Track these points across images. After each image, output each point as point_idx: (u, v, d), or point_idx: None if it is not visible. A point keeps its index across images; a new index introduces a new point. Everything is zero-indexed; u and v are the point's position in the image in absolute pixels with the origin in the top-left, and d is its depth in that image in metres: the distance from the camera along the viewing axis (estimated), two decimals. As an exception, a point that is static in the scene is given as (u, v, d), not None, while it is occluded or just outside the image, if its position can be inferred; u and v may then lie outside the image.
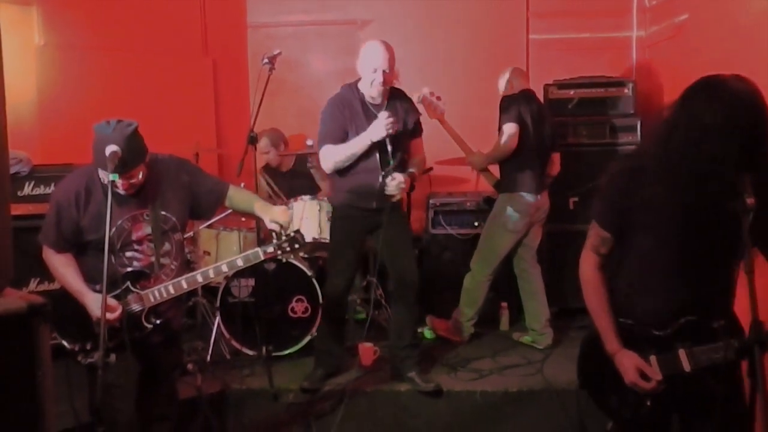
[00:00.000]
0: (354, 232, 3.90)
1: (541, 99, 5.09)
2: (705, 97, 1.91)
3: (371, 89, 3.70)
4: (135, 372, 2.90)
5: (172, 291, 2.86)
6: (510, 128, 4.34)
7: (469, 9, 5.80)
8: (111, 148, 2.60)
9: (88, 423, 2.77)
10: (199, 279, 2.90)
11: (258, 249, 2.93)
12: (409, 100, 3.96)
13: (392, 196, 3.71)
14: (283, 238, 2.93)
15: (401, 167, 3.75)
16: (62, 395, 2.75)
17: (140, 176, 2.79)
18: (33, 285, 4.19)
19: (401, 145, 3.77)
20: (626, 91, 5.11)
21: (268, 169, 5.37)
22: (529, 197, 4.44)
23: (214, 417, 3.70)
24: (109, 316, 2.68)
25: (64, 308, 2.80)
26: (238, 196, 3.12)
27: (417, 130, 3.95)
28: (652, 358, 2.10)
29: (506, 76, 4.66)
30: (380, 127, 3.57)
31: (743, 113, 1.83)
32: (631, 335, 2.15)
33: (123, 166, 2.64)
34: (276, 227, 2.94)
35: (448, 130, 4.50)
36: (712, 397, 1.97)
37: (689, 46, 4.70)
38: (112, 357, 2.54)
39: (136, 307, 2.84)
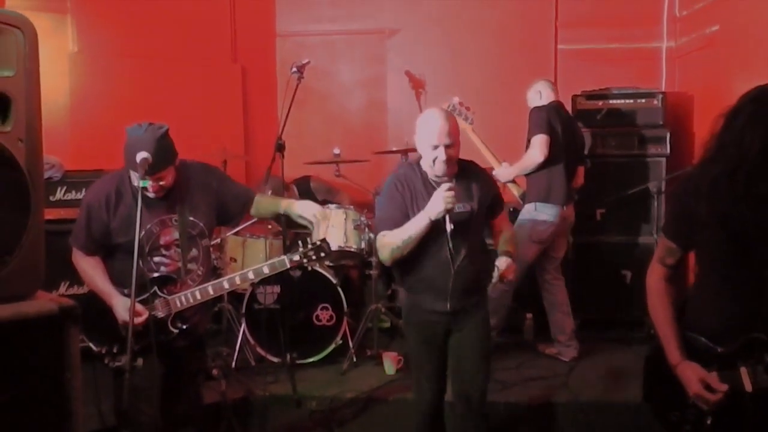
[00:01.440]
0: (432, 337, 3.09)
1: (570, 109, 5.08)
2: (749, 114, 1.89)
3: (435, 168, 2.95)
4: (160, 376, 2.92)
5: (198, 297, 2.89)
6: (539, 140, 4.31)
7: (498, 18, 5.80)
8: (142, 155, 2.66)
9: (114, 426, 2.81)
10: (226, 285, 2.93)
11: (284, 257, 2.94)
12: (484, 172, 3.22)
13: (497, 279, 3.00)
14: (309, 246, 2.95)
15: (471, 256, 3.01)
16: (89, 398, 2.78)
17: (170, 179, 2.84)
18: (63, 288, 4.25)
19: (474, 227, 3.05)
20: (655, 102, 5.06)
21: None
22: (555, 208, 4.41)
23: (238, 422, 3.72)
24: (136, 320, 2.71)
25: (92, 311, 2.84)
26: (264, 201, 3.18)
27: (497, 206, 3.20)
28: (713, 374, 2.05)
29: (536, 87, 4.64)
30: (438, 201, 2.82)
31: None
32: (695, 350, 2.11)
33: (153, 167, 2.70)
34: (306, 221, 3.05)
35: (477, 141, 4.50)
36: None
37: (720, 57, 4.65)
38: (140, 361, 2.58)
39: (162, 311, 2.87)
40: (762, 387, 1.95)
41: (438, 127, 2.92)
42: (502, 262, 2.98)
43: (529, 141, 4.40)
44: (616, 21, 5.61)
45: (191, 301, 2.88)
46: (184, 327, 2.90)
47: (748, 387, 1.97)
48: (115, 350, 2.81)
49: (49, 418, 2.21)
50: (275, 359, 4.38)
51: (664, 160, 4.97)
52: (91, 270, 2.92)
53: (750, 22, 4.17)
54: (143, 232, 2.80)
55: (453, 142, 2.93)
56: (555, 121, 4.39)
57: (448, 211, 2.83)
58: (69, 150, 4.89)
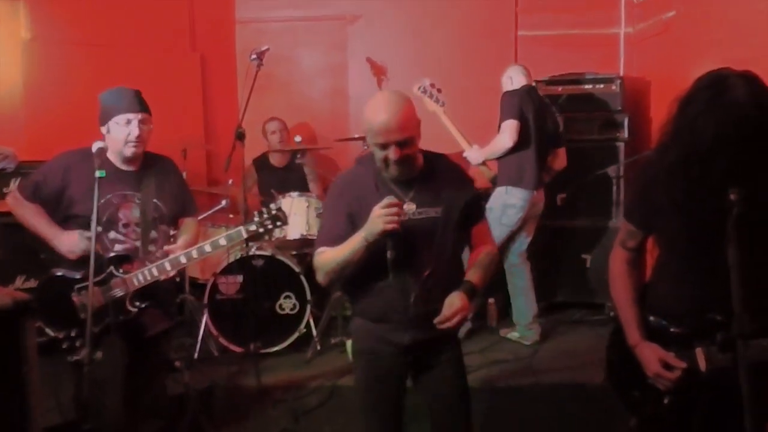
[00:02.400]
0: (386, 376, 2.55)
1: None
2: (701, 101, 1.92)
3: (388, 170, 2.39)
4: (122, 367, 2.89)
5: (156, 273, 2.87)
6: (509, 125, 4.31)
7: (458, 5, 5.79)
8: (97, 144, 2.68)
9: (75, 419, 2.77)
10: (183, 260, 2.91)
11: (240, 227, 2.96)
12: (458, 169, 2.60)
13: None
14: (266, 215, 2.96)
15: (439, 274, 2.41)
16: (48, 391, 2.75)
17: (149, 131, 2.95)
18: (19, 282, 4.17)
19: (441, 238, 2.42)
20: (614, 87, 5.12)
21: (260, 163, 5.36)
22: (526, 192, 4.42)
23: (202, 413, 3.69)
24: (81, 246, 2.79)
25: (48, 296, 2.83)
26: (187, 226, 3.20)
27: (474, 211, 2.58)
28: (671, 354, 2.08)
29: (507, 72, 4.64)
30: (375, 221, 2.25)
31: (738, 124, 1.84)
32: (654, 332, 2.15)
33: (141, 104, 2.91)
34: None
35: (448, 124, 4.49)
36: (732, 398, 1.79)
37: (676, 42, 4.72)
38: (99, 354, 2.54)
39: (119, 291, 2.85)
40: (716, 366, 1.99)
41: (384, 122, 2.30)
42: (453, 299, 2.35)
43: (500, 126, 4.42)
44: (576, 7, 5.65)
45: (149, 278, 2.86)
46: (143, 305, 2.88)
47: (703, 366, 2.01)
48: (73, 334, 2.78)
49: (7, 412, 2.17)
50: (238, 349, 4.35)
51: (623, 144, 5.05)
52: (33, 218, 2.92)
53: (706, 8, 4.24)
54: (102, 200, 2.79)
55: (408, 137, 2.33)
56: (526, 105, 4.39)
57: (388, 233, 2.25)
58: (23, 140, 4.77)
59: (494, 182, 4.56)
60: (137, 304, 2.87)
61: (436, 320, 2.33)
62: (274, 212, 2.97)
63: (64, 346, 2.79)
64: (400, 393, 2.58)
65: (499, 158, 4.48)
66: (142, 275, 2.85)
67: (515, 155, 4.39)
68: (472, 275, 2.47)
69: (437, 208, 2.42)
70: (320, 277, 2.46)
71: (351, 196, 2.45)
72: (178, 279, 4.37)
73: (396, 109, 2.32)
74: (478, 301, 3.37)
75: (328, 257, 2.40)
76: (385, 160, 2.35)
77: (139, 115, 2.92)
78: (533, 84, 4.67)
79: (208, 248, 2.94)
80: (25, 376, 2.23)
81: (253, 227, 2.95)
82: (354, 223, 2.39)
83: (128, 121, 2.90)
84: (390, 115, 2.30)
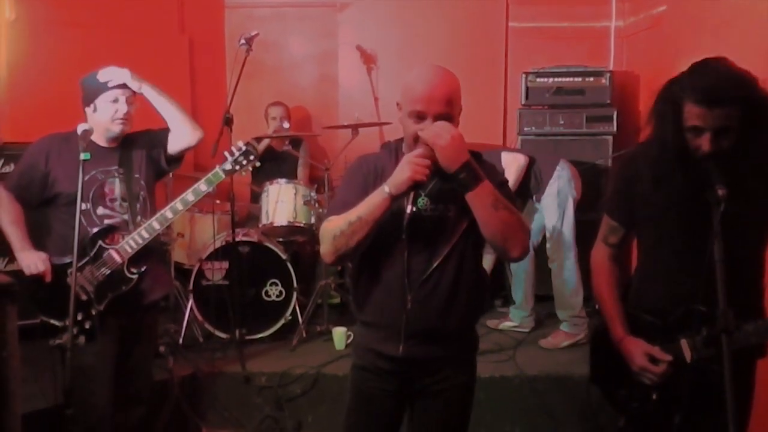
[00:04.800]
0: (376, 396, 2.25)
1: (520, 87, 5.12)
2: (658, 111, 1.94)
3: (417, 149, 2.03)
4: (113, 355, 2.90)
5: (146, 235, 2.87)
6: (511, 155, 4.35)
7: (450, -6, 5.77)
8: (82, 126, 2.67)
9: (59, 405, 2.75)
10: (169, 215, 2.91)
11: (217, 169, 2.98)
12: (486, 163, 2.24)
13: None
14: (237, 153, 2.99)
15: (447, 279, 2.12)
16: (31, 376, 2.72)
17: (134, 108, 2.96)
18: (2, 264, 4.12)
19: (451, 238, 2.13)
20: (603, 81, 5.12)
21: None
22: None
23: (185, 400, 3.69)
24: (39, 266, 2.77)
25: (43, 287, 2.81)
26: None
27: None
28: (655, 348, 2.09)
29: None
30: (404, 168, 1.98)
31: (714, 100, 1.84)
32: (639, 326, 2.15)
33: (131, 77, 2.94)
34: None
35: None
36: (717, 391, 1.79)
37: (666, 37, 4.72)
38: (81, 339, 2.53)
39: (115, 262, 2.85)
40: (701, 357, 2.00)
41: (428, 89, 2.03)
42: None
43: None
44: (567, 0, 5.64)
45: (140, 241, 2.86)
46: (143, 269, 2.88)
47: (688, 357, 2.02)
48: (79, 318, 2.75)
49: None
50: (223, 335, 4.33)
51: (611, 138, 5.05)
52: (8, 223, 2.90)
53: (696, 3, 4.24)
54: (87, 177, 2.80)
55: (448, 113, 2.05)
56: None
57: (417, 183, 1.97)
58: (6, 122, 4.72)
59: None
60: (134, 271, 2.88)
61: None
62: (243, 148, 3.00)
63: (74, 332, 2.75)
64: (390, 417, 2.26)
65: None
66: (132, 240, 2.85)
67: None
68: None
69: (451, 207, 2.13)
70: (325, 247, 2.10)
71: (369, 171, 2.18)
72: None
73: (445, 80, 2.08)
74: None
75: (338, 221, 2.06)
76: (416, 136, 2.05)
77: (127, 93, 2.95)
78: None
79: (191, 197, 2.94)
80: (5, 362, 2.20)
81: (228, 166, 2.99)
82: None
83: (116, 99, 2.91)
84: (436, 84, 2.05)
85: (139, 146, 3.07)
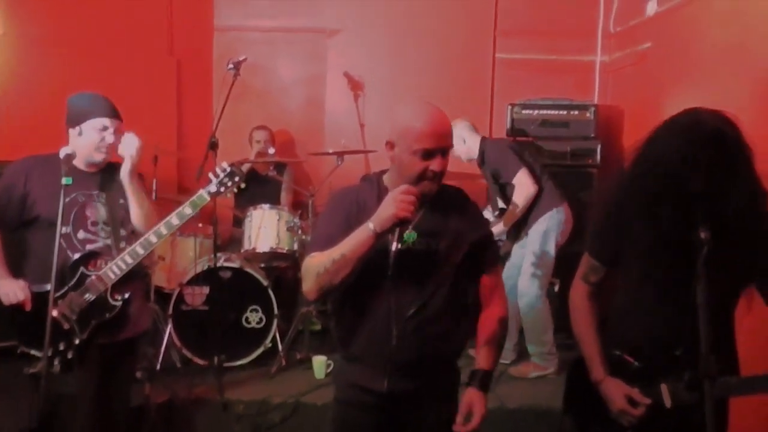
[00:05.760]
0: (358, 428, 2.25)
1: (506, 118, 5.15)
2: (671, 131, 1.94)
3: (423, 183, 2.07)
4: (94, 383, 2.84)
5: (129, 261, 2.81)
6: (523, 175, 4.30)
7: (438, 23, 5.79)
8: (65, 150, 2.65)
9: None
10: (153, 239, 2.84)
11: (202, 191, 2.91)
12: (472, 204, 2.29)
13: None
14: (221, 174, 2.94)
15: (431, 313, 2.12)
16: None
17: (120, 137, 2.90)
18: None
19: (438, 273, 2.14)
20: (588, 114, 5.16)
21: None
22: (564, 207, 4.46)
23: (162, 426, 3.63)
24: (19, 295, 2.72)
25: (24, 317, 2.73)
26: None
27: (488, 254, 2.27)
28: (635, 390, 2.07)
29: (458, 132, 4.49)
30: (389, 204, 1.96)
31: (705, 156, 1.85)
32: (618, 366, 2.13)
33: (116, 112, 2.90)
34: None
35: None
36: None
37: (650, 74, 4.79)
38: (56, 366, 2.48)
39: (97, 289, 2.79)
40: (681, 403, 1.99)
41: (435, 125, 2.05)
42: (470, 402, 2.11)
43: (501, 183, 4.44)
44: (554, 33, 5.70)
45: (123, 267, 2.80)
46: (126, 297, 2.82)
47: (668, 403, 2.01)
48: (61, 348, 2.70)
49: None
50: (202, 361, 4.28)
51: (595, 171, 5.09)
52: None
53: (681, 41, 4.31)
54: (68, 199, 2.74)
55: (451, 147, 2.13)
56: (513, 149, 4.42)
57: (401, 220, 1.96)
58: (-11, 139, 4.67)
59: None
60: (118, 297, 2.81)
61: (455, 426, 2.07)
62: (228, 169, 2.95)
63: (56, 362, 2.69)
64: None
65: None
66: (116, 266, 2.79)
67: (546, 183, 4.41)
68: (484, 360, 2.18)
69: (440, 241, 2.13)
70: (308, 285, 2.07)
71: (351, 206, 2.16)
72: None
73: (443, 115, 2.10)
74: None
75: (321, 257, 2.03)
76: (424, 172, 2.05)
77: (116, 122, 2.90)
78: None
79: (175, 221, 2.87)
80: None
81: (213, 188, 2.92)
82: (352, 230, 2.04)
83: (104, 127, 2.87)
84: (439, 120, 2.07)
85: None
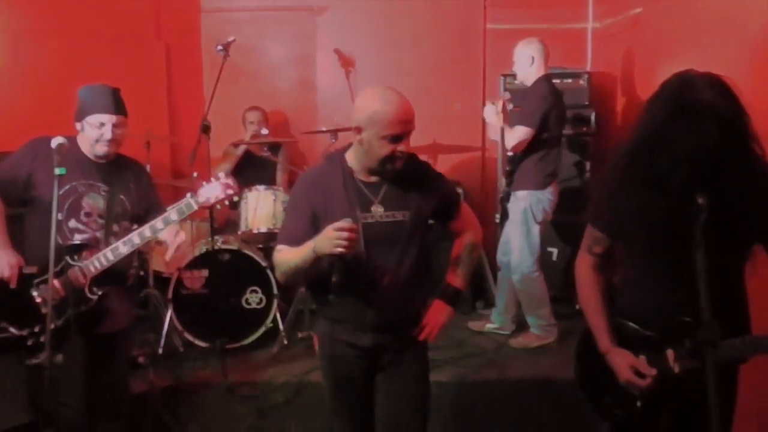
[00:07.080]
0: (350, 380, 2.55)
1: (499, 89, 5.12)
2: (671, 107, 1.92)
3: (389, 166, 2.34)
4: (82, 366, 2.84)
5: (111, 257, 2.82)
6: (523, 133, 4.23)
7: (427, -4, 5.76)
8: (57, 140, 2.63)
9: (32, 421, 2.70)
10: (136, 240, 2.85)
11: (190, 200, 2.89)
12: (427, 168, 2.57)
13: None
14: (215, 187, 2.92)
15: (404, 277, 2.40)
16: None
17: (123, 133, 2.92)
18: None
19: (409, 240, 2.41)
20: (581, 82, 5.15)
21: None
22: (552, 187, 4.45)
23: (166, 411, 3.64)
24: (5, 272, 2.72)
25: (6, 293, 2.75)
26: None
27: (451, 206, 2.59)
28: (642, 358, 2.08)
29: (529, 49, 4.41)
30: (324, 242, 2.16)
31: (704, 129, 1.84)
32: (625, 336, 2.14)
33: (116, 105, 2.88)
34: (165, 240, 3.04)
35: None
36: (702, 399, 1.77)
37: (642, 38, 4.76)
38: (59, 357, 2.48)
39: (78, 280, 2.80)
40: (687, 368, 2.00)
41: (402, 111, 2.27)
42: (435, 309, 2.51)
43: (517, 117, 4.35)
44: (544, 2, 5.66)
45: (105, 263, 2.81)
46: (102, 292, 2.83)
47: (675, 369, 2.02)
48: (37, 330, 2.71)
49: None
50: (204, 344, 4.30)
51: (590, 139, 5.08)
52: None
53: (671, 5, 4.27)
54: (67, 186, 2.78)
55: (412, 131, 2.34)
56: (551, 109, 4.29)
57: (336, 256, 2.18)
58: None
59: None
60: (95, 291, 2.82)
61: (415, 332, 2.46)
62: (222, 181, 2.93)
63: (30, 343, 2.72)
64: (368, 393, 2.55)
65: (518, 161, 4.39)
66: (97, 260, 2.81)
67: (540, 160, 4.35)
68: (455, 277, 2.56)
69: (405, 212, 2.40)
70: (277, 275, 2.47)
71: (316, 195, 2.39)
72: (142, 273, 4.30)
73: (406, 101, 2.31)
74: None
75: (283, 257, 2.38)
76: (391, 156, 2.30)
77: (114, 118, 2.88)
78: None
79: (160, 225, 2.87)
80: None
81: (202, 199, 2.90)
82: (317, 224, 2.31)
83: (101, 124, 2.86)
84: (406, 106, 2.29)
85: (134, 177, 3.05)
